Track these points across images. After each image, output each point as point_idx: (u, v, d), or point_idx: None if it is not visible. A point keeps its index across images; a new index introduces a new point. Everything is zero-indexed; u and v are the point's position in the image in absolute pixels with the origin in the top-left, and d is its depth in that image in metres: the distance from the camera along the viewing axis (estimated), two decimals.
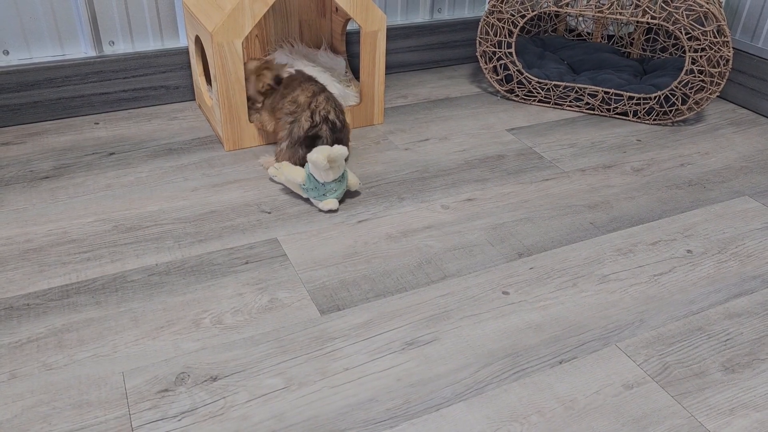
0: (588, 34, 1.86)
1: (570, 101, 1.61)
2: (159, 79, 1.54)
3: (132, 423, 0.76)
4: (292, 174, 1.17)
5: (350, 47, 1.65)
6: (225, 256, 1.05)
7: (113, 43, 1.49)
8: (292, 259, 1.05)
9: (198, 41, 1.40)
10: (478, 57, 1.63)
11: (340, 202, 1.19)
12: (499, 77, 1.64)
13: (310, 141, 1.21)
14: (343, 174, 1.15)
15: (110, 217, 1.14)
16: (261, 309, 0.94)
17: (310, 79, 1.29)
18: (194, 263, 1.03)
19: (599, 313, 0.97)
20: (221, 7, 1.26)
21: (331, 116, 1.22)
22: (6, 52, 1.41)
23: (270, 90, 1.32)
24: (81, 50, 1.47)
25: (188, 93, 1.58)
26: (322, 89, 1.26)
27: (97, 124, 1.47)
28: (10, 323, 0.90)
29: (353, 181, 1.20)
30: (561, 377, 0.85)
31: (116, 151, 1.35)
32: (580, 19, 1.87)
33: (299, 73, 1.32)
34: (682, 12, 1.41)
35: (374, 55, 1.41)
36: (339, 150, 1.10)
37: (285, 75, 1.32)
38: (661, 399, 0.83)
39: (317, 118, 1.21)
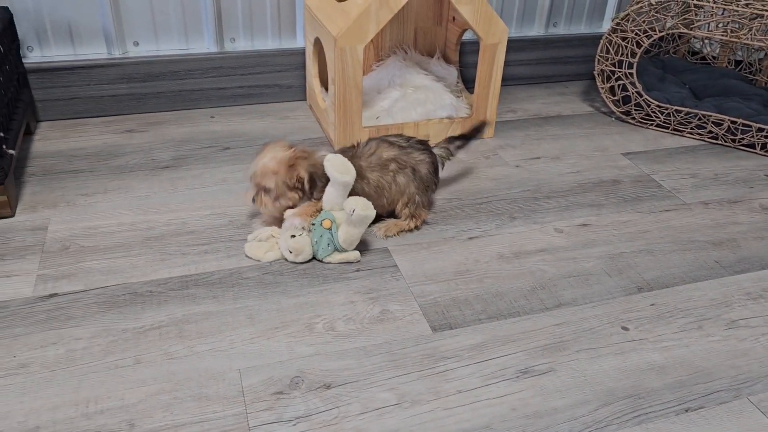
0: (713, 57, 1.77)
1: (691, 128, 1.52)
2: (274, 77, 1.57)
3: (249, 422, 0.77)
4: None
5: (462, 57, 1.63)
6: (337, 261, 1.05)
7: (234, 39, 1.53)
8: (403, 271, 1.03)
9: (317, 43, 1.41)
10: (596, 75, 1.57)
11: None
12: (615, 98, 1.58)
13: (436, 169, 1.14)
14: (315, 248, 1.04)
15: (226, 212, 1.16)
16: (373, 319, 0.94)
17: (364, 146, 1.11)
18: (307, 266, 1.04)
19: (728, 361, 0.90)
20: (346, 11, 1.27)
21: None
22: (136, 44, 1.47)
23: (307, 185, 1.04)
24: (204, 45, 1.52)
25: (299, 93, 1.60)
26: (383, 141, 1.12)
27: (213, 117, 1.51)
28: (135, 308, 0.93)
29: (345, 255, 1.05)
30: (687, 427, 0.80)
31: (231, 146, 1.38)
32: (706, 41, 1.77)
33: (343, 150, 1.11)
34: None
35: (492, 68, 1.38)
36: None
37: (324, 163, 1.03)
38: None
39: (423, 146, 1.12)
